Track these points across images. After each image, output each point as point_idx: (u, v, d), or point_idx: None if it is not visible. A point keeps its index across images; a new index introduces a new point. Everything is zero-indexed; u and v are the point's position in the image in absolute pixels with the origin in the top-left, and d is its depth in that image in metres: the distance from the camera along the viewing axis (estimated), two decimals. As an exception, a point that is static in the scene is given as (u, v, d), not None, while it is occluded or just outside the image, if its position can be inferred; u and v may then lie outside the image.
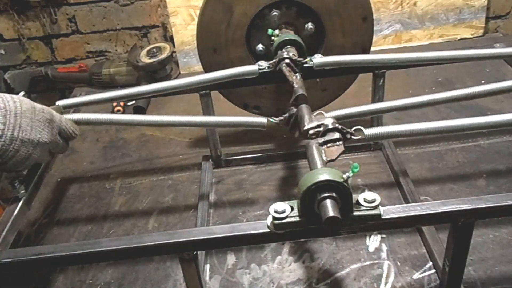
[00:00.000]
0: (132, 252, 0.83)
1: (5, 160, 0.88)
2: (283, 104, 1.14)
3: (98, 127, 1.73)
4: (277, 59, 1.16)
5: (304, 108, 1.04)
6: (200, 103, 1.31)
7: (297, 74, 1.15)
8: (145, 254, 0.87)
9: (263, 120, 1.09)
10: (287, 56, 1.16)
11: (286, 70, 1.14)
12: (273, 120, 1.08)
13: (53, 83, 2.16)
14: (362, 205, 0.79)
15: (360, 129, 0.94)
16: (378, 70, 1.27)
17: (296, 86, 1.11)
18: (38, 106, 0.94)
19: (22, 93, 0.98)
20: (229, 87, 1.31)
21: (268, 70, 1.17)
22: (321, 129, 0.94)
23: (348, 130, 0.93)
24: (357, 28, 1.29)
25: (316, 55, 1.21)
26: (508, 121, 0.98)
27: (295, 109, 1.06)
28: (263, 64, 1.18)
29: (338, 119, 1.01)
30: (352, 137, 0.94)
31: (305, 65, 1.17)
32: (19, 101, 0.90)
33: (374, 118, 1.36)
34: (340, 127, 0.93)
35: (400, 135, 0.99)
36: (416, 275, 1.04)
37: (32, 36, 2.08)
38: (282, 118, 1.08)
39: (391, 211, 0.81)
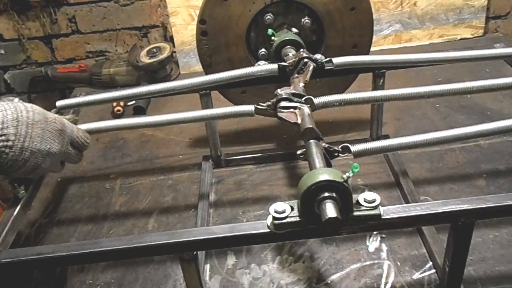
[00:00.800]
0: (132, 252, 0.83)
1: (15, 169, 0.89)
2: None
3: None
4: (297, 58, 1.16)
5: (305, 108, 1.04)
6: (200, 103, 1.32)
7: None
8: (145, 254, 0.87)
9: (251, 107, 1.09)
10: (308, 55, 1.15)
11: (310, 69, 1.14)
12: (261, 106, 1.08)
13: (53, 83, 2.16)
14: (362, 205, 0.79)
15: (347, 146, 0.94)
16: (378, 70, 1.27)
17: (300, 85, 1.11)
18: (51, 116, 0.94)
19: (16, 100, 0.95)
20: (229, 87, 1.31)
21: (289, 69, 1.17)
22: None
23: (335, 148, 0.94)
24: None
25: (316, 55, 1.21)
26: (495, 129, 0.98)
27: (281, 93, 1.05)
28: (284, 63, 1.18)
29: (326, 105, 1.04)
30: (340, 154, 0.94)
31: (324, 65, 1.17)
32: (32, 111, 0.90)
33: (374, 119, 1.36)
34: (327, 146, 0.93)
35: (387, 149, 0.99)
36: (416, 275, 1.04)
37: (32, 36, 2.08)
38: (269, 103, 1.07)
39: (391, 211, 0.81)
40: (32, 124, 0.89)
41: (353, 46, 1.34)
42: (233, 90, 1.38)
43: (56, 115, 0.96)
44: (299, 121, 1.01)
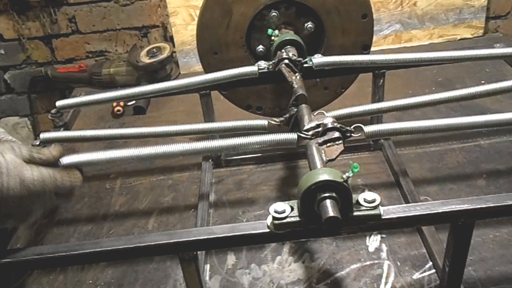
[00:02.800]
0: (132, 252, 0.83)
1: None
2: (285, 103, 1.14)
3: (99, 124, 1.74)
4: (277, 59, 1.17)
5: (304, 108, 1.05)
6: (200, 103, 1.32)
7: (297, 74, 1.15)
8: (145, 254, 0.87)
9: (264, 122, 1.09)
10: (286, 56, 1.16)
11: (285, 70, 1.14)
12: (274, 122, 1.08)
13: (53, 83, 2.16)
14: (362, 205, 0.79)
15: (360, 127, 0.95)
16: (378, 70, 1.27)
17: (296, 86, 1.11)
18: (28, 175, 0.78)
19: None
20: (229, 87, 1.31)
21: (268, 70, 1.17)
22: (320, 129, 0.94)
23: (348, 128, 0.93)
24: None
25: (316, 55, 1.21)
26: (508, 120, 0.98)
27: (295, 109, 1.06)
28: (263, 64, 1.18)
29: (338, 118, 1.01)
30: (352, 135, 0.94)
31: (304, 65, 1.17)
32: (6, 173, 0.75)
33: (374, 119, 1.36)
34: (339, 126, 0.93)
35: (400, 132, 0.99)
36: (416, 275, 1.04)
37: (32, 36, 2.08)
38: (282, 119, 1.08)
39: (391, 211, 0.81)
40: (6, 197, 0.75)
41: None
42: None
43: (36, 171, 0.80)
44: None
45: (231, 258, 1.13)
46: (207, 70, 1.32)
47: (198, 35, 1.29)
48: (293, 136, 0.97)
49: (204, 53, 1.31)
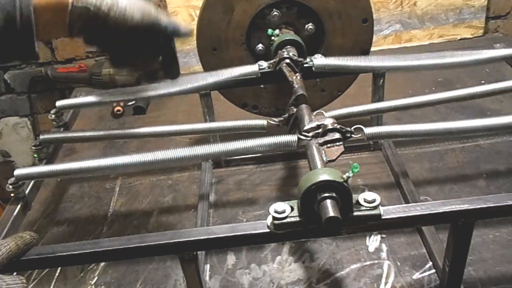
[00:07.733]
0: (132, 252, 0.83)
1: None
2: (282, 104, 1.14)
3: (99, 124, 1.73)
4: (277, 59, 1.17)
5: (304, 108, 1.05)
6: (200, 103, 1.32)
7: (297, 74, 1.15)
8: (145, 254, 0.87)
9: (263, 122, 1.09)
10: (287, 56, 1.16)
11: (286, 70, 1.15)
12: (273, 122, 1.08)
13: (53, 83, 2.16)
14: (362, 205, 0.79)
15: (360, 128, 0.95)
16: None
17: (296, 86, 1.11)
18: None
19: None
20: (230, 87, 1.31)
21: (268, 70, 1.18)
22: (320, 129, 0.94)
23: (348, 129, 0.93)
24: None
25: (316, 55, 1.21)
26: (509, 124, 0.98)
27: (294, 109, 1.06)
28: (263, 64, 1.19)
29: (338, 118, 1.01)
30: (352, 135, 0.94)
31: (305, 65, 1.17)
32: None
33: (374, 119, 1.36)
34: (339, 126, 0.93)
35: (401, 135, 0.99)
36: (416, 275, 1.04)
37: (32, 36, 2.07)
38: (281, 118, 1.08)
39: (391, 211, 0.81)
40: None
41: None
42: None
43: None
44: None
45: (231, 258, 1.13)
46: (205, 67, 1.32)
47: (198, 31, 1.29)
48: (293, 138, 0.97)
49: (203, 50, 1.31)
